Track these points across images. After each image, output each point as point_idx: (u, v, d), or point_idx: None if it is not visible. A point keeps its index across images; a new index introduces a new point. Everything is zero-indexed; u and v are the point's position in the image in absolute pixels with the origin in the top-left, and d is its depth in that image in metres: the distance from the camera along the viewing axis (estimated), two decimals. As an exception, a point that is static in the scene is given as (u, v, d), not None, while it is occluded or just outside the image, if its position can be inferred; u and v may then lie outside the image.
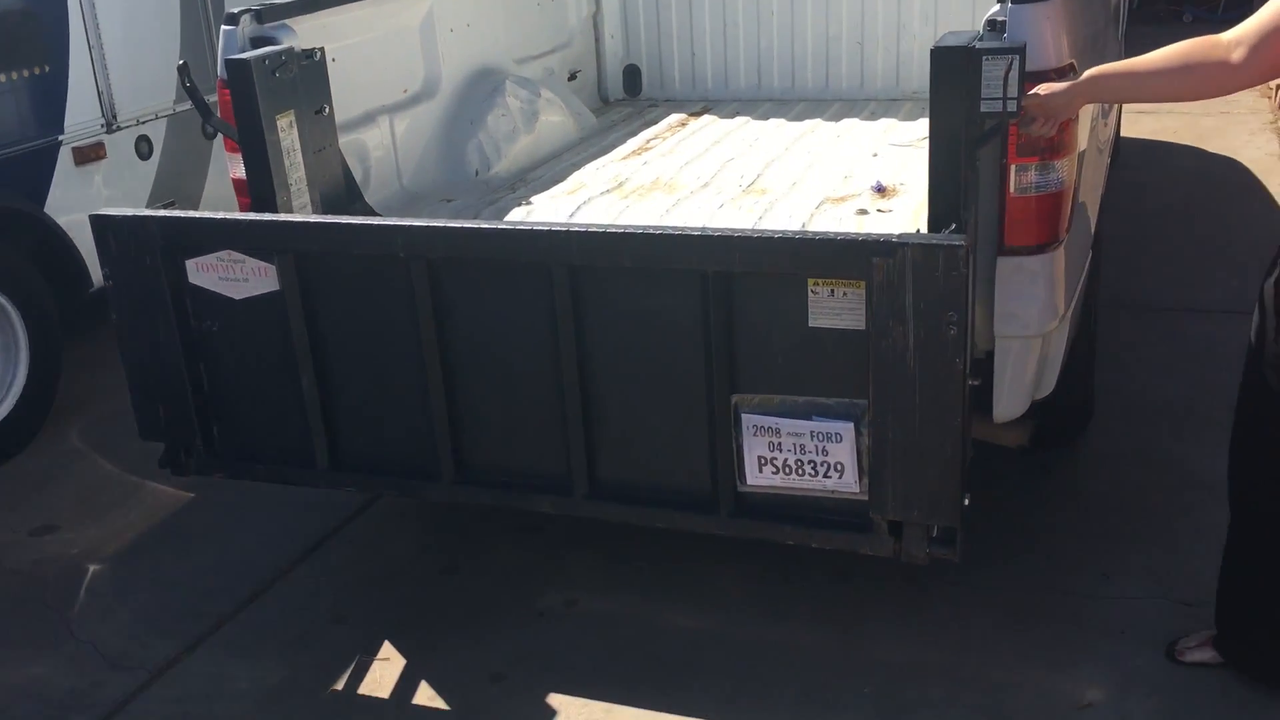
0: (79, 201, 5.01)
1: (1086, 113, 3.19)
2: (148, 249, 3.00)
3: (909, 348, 2.43)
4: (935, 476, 2.52)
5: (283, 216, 3.04)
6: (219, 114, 3.49)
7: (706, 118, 5.29)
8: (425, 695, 3.20)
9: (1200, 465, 3.97)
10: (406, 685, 3.24)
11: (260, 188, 3.34)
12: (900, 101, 5.31)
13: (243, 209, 3.57)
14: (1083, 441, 4.16)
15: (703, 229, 2.59)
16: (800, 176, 4.22)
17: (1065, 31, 2.86)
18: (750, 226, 3.67)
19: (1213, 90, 2.60)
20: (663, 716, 3.04)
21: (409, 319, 2.86)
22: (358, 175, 3.98)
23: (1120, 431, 4.25)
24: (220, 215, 2.98)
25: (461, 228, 2.78)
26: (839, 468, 2.59)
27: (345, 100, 3.79)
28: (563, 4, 5.45)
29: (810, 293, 2.51)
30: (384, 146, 4.17)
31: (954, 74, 2.66)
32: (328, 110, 3.60)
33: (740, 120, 5.18)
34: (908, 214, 3.68)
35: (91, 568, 3.94)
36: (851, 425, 2.55)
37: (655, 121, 5.25)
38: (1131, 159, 7.64)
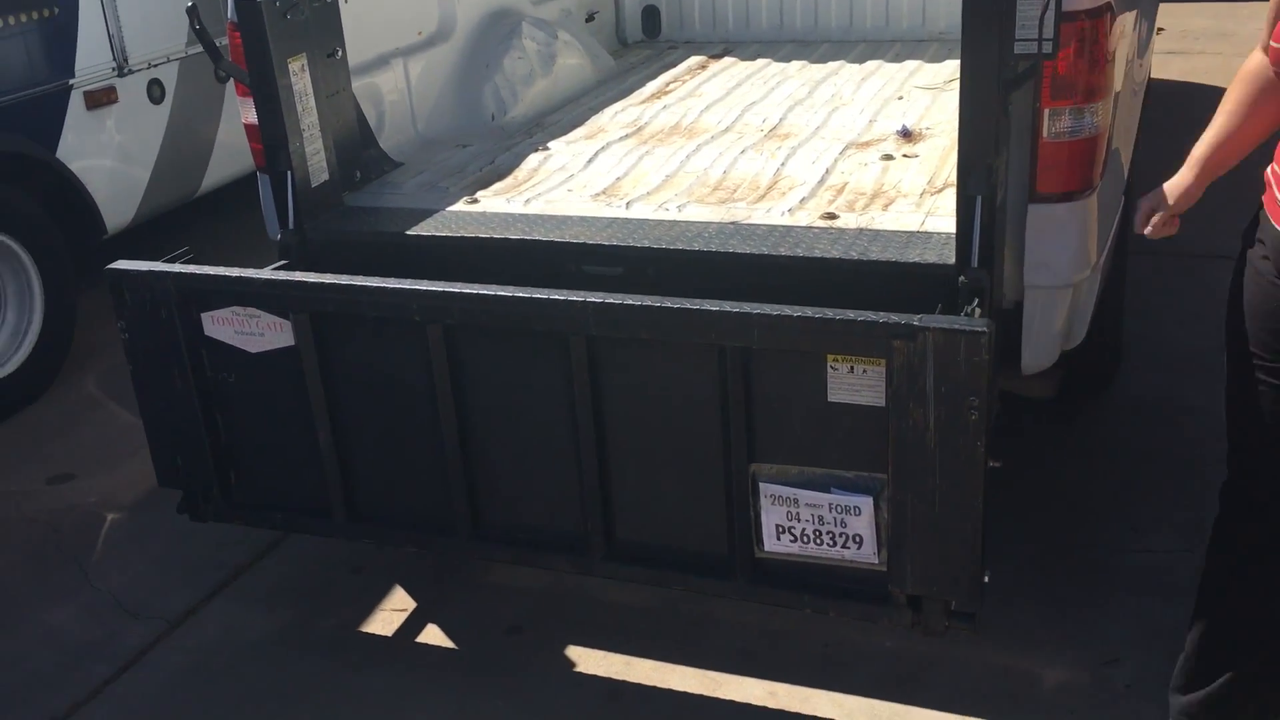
0: (91, 146, 4.95)
1: (1121, 52, 3.09)
2: (163, 302, 2.95)
3: (929, 428, 2.36)
4: (955, 555, 2.44)
5: (297, 276, 2.95)
6: (229, 57, 3.41)
7: (727, 60, 5.17)
8: (442, 643, 3.19)
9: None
10: (423, 634, 3.24)
11: (272, 133, 3.27)
12: (927, 43, 5.17)
13: (255, 155, 3.50)
14: (1109, 391, 4.08)
15: (720, 306, 2.47)
16: (824, 120, 4.12)
17: (1102, -32, 2.74)
18: (773, 171, 3.59)
19: None
20: (680, 669, 3.02)
21: (426, 379, 2.80)
22: (371, 120, 3.90)
23: (1147, 381, 4.17)
24: (234, 272, 2.91)
25: (478, 294, 2.67)
26: (858, 539, 2.53)
27: (358, 43, 3.70)
28: (580, -57, 5.33)
29: (829, 369, 2.44)
30: (398, 91, 4.08)
31: (987, 13, 2.55)
32: (341, 53, 3.51)
33: (762, 62, 5.07)
34: (934, 159, 3.59)
35: (109, 516, 3.94)
36: (870, 499, 2.48)
37: (675, 64, 5.13)
38: (1162, 101, 7.47)
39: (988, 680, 2.92)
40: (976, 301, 2.58)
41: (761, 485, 2.59)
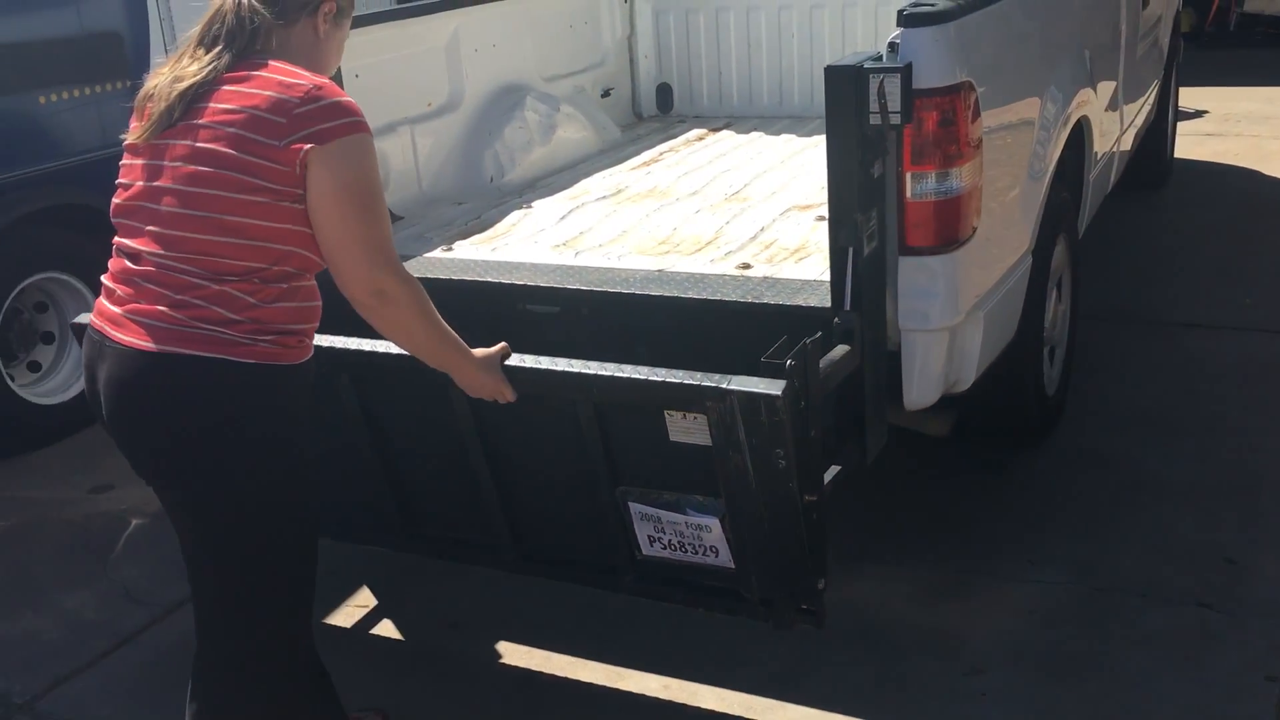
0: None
1: (1003, 124, 3.43)
2: None
3: (748, 470, 2.65)
4: (789, 570, 2.76)
5: None
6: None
7: (725, 133, 5.62)
8: (391, 634, 3.61)
9: (1155, 468, 4.15)
10: (377, 627, 3.66)
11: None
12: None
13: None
14: (1047, 443, 4.34)
15: (566, 367, 2.76)
16: (782, 186, 4.52)
17: (958, 52, 3.10)
18: (717, 228, 4.00)
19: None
20: (591, 664, 3.38)
21: (344, 415, 3.16)
22: (377, 179, 4.42)
23: (1087, 435, 4.42)
24: None
25: (384, 353, 2.90)
26: (714, 550, 2.85)
27: (367, 112, 4.20)
28: (598, 26, 5.85)
29: (666, 417, 2.75)
30: (405, 154, 4.60)
31: (845, 90, 2.95)
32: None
33: (754, 135, 5.50)
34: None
35: (134, 521, 4.47)
36: (717, 520, 2.79)
37: (676, 135, 5.60)
38: (1184, 180, 7.69)
39: (860, 681, 3.21)
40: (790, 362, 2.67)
41: (630, 505, 2.93)
